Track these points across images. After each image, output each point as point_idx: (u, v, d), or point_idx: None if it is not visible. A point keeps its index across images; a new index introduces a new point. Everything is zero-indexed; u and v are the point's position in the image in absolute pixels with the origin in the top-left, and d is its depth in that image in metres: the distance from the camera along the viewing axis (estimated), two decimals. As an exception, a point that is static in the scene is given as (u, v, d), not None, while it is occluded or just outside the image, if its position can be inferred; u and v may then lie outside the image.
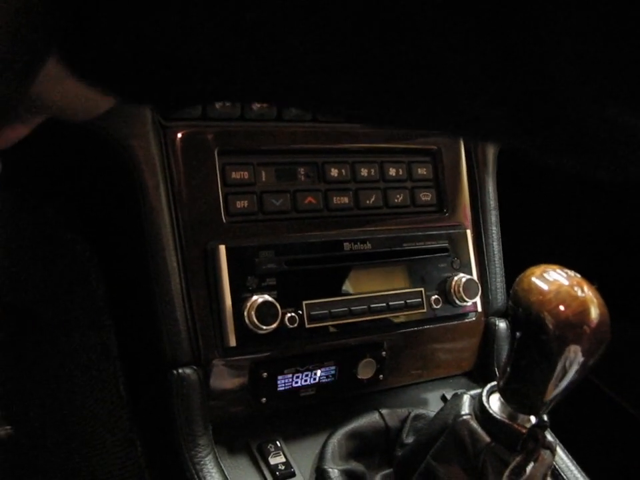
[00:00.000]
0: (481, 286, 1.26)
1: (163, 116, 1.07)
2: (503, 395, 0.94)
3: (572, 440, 1.24)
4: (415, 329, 1.21)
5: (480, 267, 1.29)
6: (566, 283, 0.88)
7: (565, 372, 0.88)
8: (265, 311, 1.04)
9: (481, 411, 0.95)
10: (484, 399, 0.95)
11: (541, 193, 1.92)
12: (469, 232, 1.27)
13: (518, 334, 0.91)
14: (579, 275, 0.90)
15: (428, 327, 1.22)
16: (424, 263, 1.21)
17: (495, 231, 1.32)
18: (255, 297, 1.05)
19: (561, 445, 1.18)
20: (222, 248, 1.06)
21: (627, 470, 2.00)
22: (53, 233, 1.29)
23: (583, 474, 1.16)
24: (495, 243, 1.32)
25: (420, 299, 1.19)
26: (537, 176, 1.79)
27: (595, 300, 0.87)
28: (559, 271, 0.89)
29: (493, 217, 1.33)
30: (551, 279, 0.89)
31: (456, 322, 1.25)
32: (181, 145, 1.08)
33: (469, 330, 1.28)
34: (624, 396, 2.22)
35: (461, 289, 1.20)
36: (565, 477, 1.15)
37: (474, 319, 1.26)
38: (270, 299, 1.05)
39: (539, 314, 0.86)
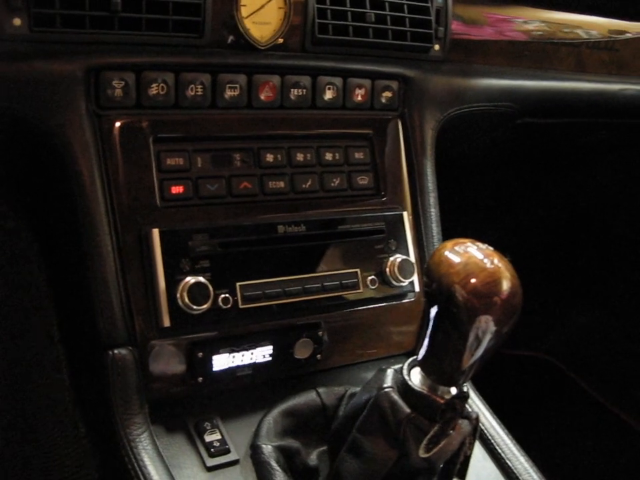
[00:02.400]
0: (419, 267, 1.28)
1: (98, 105, 1.10)
2: (422, 367, 0.97)
3: (518, 413, 1.27)
4: (353, 309, 1.23)
5: (419, 249, 1.32)
6: (476, 254, 0.90)
7: (478, 342, 0.91)
8: (196, 292, 1.06)
9: (402, 384, 0.97)
10: (405, 371, 0.98)
11: (493, 178, 1.95)
12: (405, 214, 1.30)
13: (433, 308, 0.93)
14: (490, 248, 0.92)
15: (365, 307, 1.24)
16: (360, 245, 1.23)
17: (433, 212, 1.35)
18: (188, 279, 1.07)
19: (492, 412, 1.21)
20: (155, 231, 1.08)
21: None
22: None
23: (512, 439, 1.19)
24: (433, 225, 1.34)
25: (356, 280, 1.21)
26: (484, 161, 1.82)
27: (505, 271, 0.90)
28: (469, 243, 0.92)
29: (432, 199, 1.35)
30: (462, 251, 0.91)
31: (394, 302, 1.27)
32: (116, 134, 1.10)
33: (407, 310, 1.30)
34: (592, 382, 2.25)
35: (396, 269, 1.23)
36: (494, 441, 1.18)
37: (413, 299, 1.29)
38: (203, 280, 1.07)
39: (449, 286, 0.89)
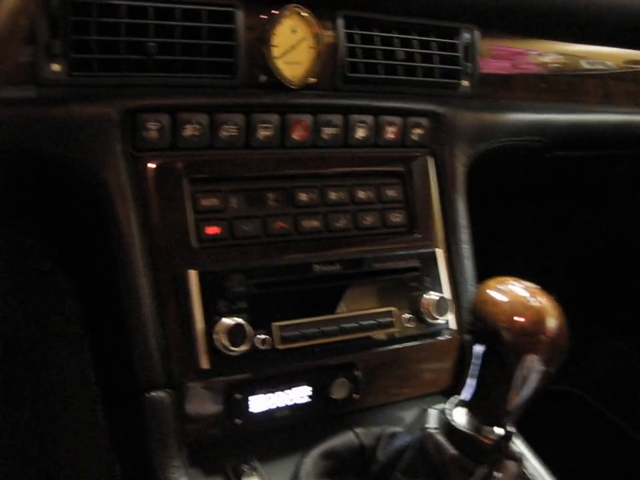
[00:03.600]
0: (455, 304, 1.27)
1: (134, 147, 1.10)
2: (467, 407, 0.96)
3: (556, 449, 1.25)
4: (388, 348, 1.22)
5: (453, 285, 1.31)
6: (521, 293, 0.90)
7: (524, 381, 0.90)
8: (235, 333, 1.06)
9: (445, 424, 0.96)
10: (448, 411, 0.97)
11: (516, 210, 1.95)
12: (439, 251, 1.29)
13: (478, 347, 0.92)
14: (535, 286, 0.92)
15: (401, 345, 1.23)
16: (394, 283, 1.23)
17: (466, 249, 1.34)
18: (225, 320, 1.07)
19: (535, 454, 1.19)
20: (192, 272, 1.08)
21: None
22: (32, 264, 1.31)
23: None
24: (466, 261, 1.34)
25: (391, 318, 1.20)
26: (509, 194, 1.82)
27: (551, 309, 0.89)
28: (514, 282, 0.91)
29: (464, 235, 1.35)
30: (506, 289, 0.90)
31: (429, 340, 1.26)
32: (152, 175, 1.11)
33: (443, 348, 1.29)
34: (616, 412, 2.22)
35: (431, 307, 1.22)
36: None
37: (448, 337, 1.28)
38: (240, 321, 1.07)
39: (494, 325, 0.88)
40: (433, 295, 1.23)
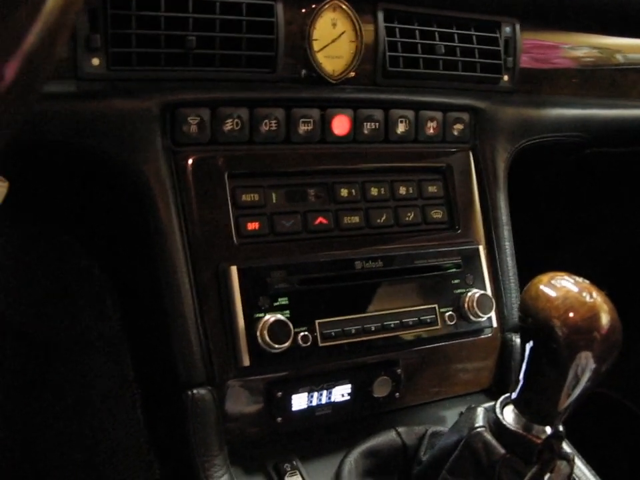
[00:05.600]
0: (496, 301, 1.25)
1: (173, 141, 1.09)
2: (516, 406, 0.93)
3: (593, 452, 1.22)
4: (430, 345, 1.20)
5: (494, 283, 1.29)
6: (574, 289, 0.87)
7: (577, 379, 0.87)
8: (277, 330, 1.04)
9: (494, 423, 0.94)
10: (497, 410, 0.94)
11: (555, 207, 1.92)
12: (481, 248, 1.27)
13: (529, 344, 0.90)
14: (587, 281, 0.89)
15: (443, 343, 1.21)
16: (436, 280, 1.21)
17: (508, 246, 1.32)
18: (267, 317, 1.05)
19: (579, 455, 1.16)
20: (233, 269, 1.07)
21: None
22: (71, 261, 1.31)
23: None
24: (508, 258, 1.31)
25: (434, 316, 1.19)
26: (548, 190, 1.79)
27: (604, 305, 0.86)
28: (566, 277, 0.89)
29: (506, 232, 1.32)
30: (559, 285, 0.88)
31: (472, 338, 1.24)
32: (192, 170, 1.10)
33: (485, 346, 1.27)
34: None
35: (474, 305, 1.20)
36: None
37: (490, 334, 1.26)
38: (282, 318, 1.05)
39: (547, 321, 0.86)
40: (475, 292, 1.21)
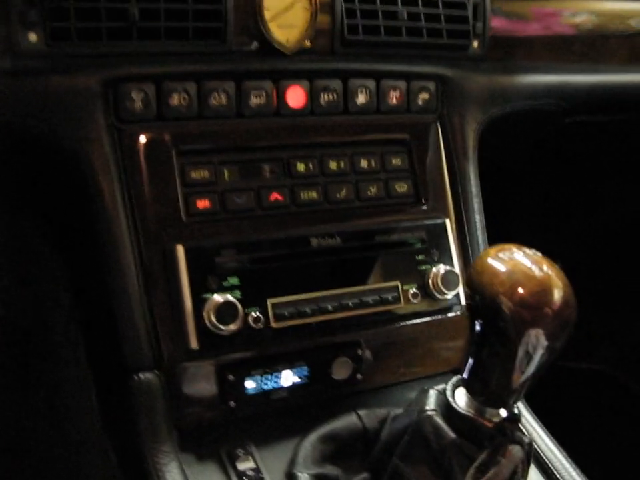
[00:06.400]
0: (465, 278, 1.20)
1: (117, 118, 1.05)
2: (468, 387, 0.89)
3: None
4: (394, 325, 1.16)
5: (463, 258, 1.23)
6: (522, 261, 0.82)
7: (529, 358, 0.83)
8: (223, 311, 1.00)
9: (445, 406, 0.89)
10: (448, 392, 0.90)
11: (536, 182, 1.86)
12: (448, 222, 1.22)
13: (477, 322, 0.85)
14: (538, 253, 0.84)
15: (407, 322, 1.16)
16: (399, 256, 1.16)
17: (478, 219, 1.27)
18: (215, 297, 1.01)
19: (548, 433, 1.12)
20: (180, 248, 1.03)
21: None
22: (30, 247, 1.27)
23: (572, 463, 1.10)
24: (478, 232, 1.26)
25: (396, 294, 1.14)
26: (527, 163, 1.73)
27: (556, 279, 0.81)
28: (515, 250, 0.83)
29: (476, 205, 1.27)
30: (506, 258, 0.83)
31: (438, 317, 1.19)
32: (137, 147, 1.06)
33: (453, 325, 1.21)
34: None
35: (439, 281, 1.15)
36: (551, 465, 1.09)
37: (458, 313, 1.20)
38: (231, 298, 1.01)
39: (493, 298, 0.81)
40: (440, 268, 1.16)
